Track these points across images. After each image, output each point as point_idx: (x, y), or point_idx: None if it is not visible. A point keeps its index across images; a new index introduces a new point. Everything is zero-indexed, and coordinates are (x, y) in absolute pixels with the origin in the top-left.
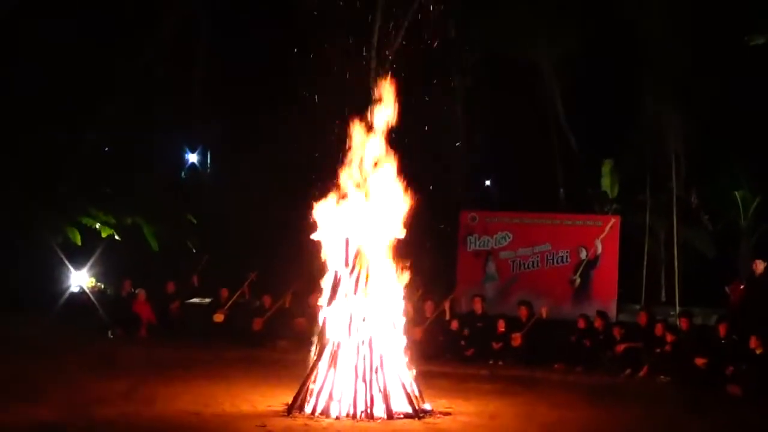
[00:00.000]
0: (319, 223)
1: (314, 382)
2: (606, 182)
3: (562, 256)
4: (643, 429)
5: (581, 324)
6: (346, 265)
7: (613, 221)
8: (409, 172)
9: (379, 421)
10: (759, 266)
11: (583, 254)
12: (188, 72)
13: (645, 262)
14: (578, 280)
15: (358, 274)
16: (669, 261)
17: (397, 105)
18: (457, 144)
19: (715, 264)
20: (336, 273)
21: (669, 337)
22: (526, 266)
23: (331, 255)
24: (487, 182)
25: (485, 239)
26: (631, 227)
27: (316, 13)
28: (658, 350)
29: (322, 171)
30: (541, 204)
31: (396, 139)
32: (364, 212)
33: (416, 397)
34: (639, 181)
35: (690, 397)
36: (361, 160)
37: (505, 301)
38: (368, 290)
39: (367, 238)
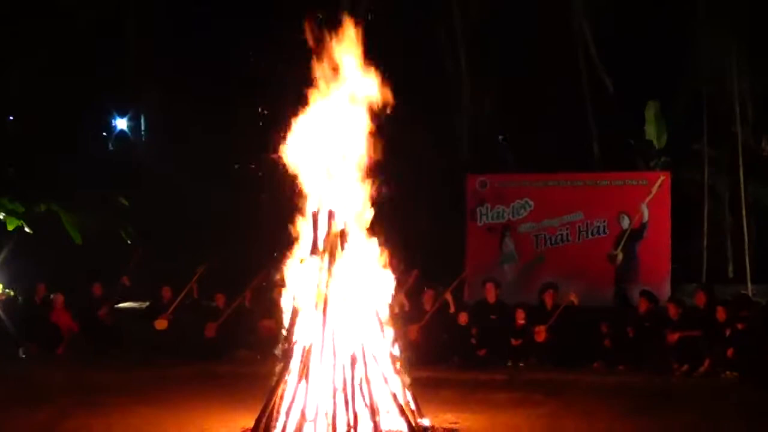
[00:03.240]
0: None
1: (282, 398)
2: (651, 130)
3: (599, 227)
4: None
5: (643, 307)
6: (317, 247)
7: (662, 179)
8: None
9: None
10: None
11: (626, 223)
12: (117, 20)
13: (705, 230)
14: (620, 256)
15: (333, 258)
16: (736, 227)
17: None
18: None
19: None
20: (304, 259)
21: (737, 323)
22: (553, 241)
23: (301, 235)
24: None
25: (500, 210)
26: (686, 186)
27: None
28: (723, 340)
29: (283, 133)
30: (569, 162)
31: (379, 84)
32: (339, 179)
33: (412, 411)
34: (693, 128)
35: (764, 399)
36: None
37: (528, 286)
38: (348, 279)
39: (345, 211)
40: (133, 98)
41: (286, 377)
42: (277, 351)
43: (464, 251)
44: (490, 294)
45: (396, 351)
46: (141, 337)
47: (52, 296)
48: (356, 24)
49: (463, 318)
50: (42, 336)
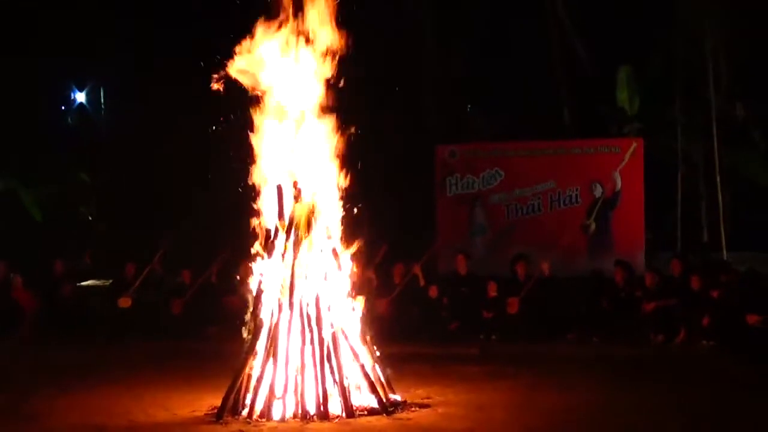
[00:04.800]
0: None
1: (249, 376)
2: (623, 95)
3: (571, 196)
4: (682, 413)
5: (619, 277)
6: (281, 219)
7: (635, 145)
8: (362, 96)
9: (336, 420)
10: None
11: (598, 191)
12: None
13: (679, 197)
14: (593, 225)
15: (298, 230)
16: (711, 194)
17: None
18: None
19: None
20: (269, 232)
21: (712, 292)
22: (524, 211)
23: (265, 208)
24: (469, 107)
25: (469, 180)
26: (659, 152)
27: None
28: (699, 308)
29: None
30: (540, 130)
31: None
32: (301, 150)
33: (383, 386)
34: (666, 92)
35: (742, 368)
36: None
37: (500, 258)
38: (313, 252)
39: (309, 182)
40: (91, 62)
41: (254, 354)
42: (244, 328)
43: (434, 223)
44: (461, 266)
45: (365, 326)
46: (105, 315)
47: (12, 275)
48: None
49: (433, 291)
50: (2, 316)
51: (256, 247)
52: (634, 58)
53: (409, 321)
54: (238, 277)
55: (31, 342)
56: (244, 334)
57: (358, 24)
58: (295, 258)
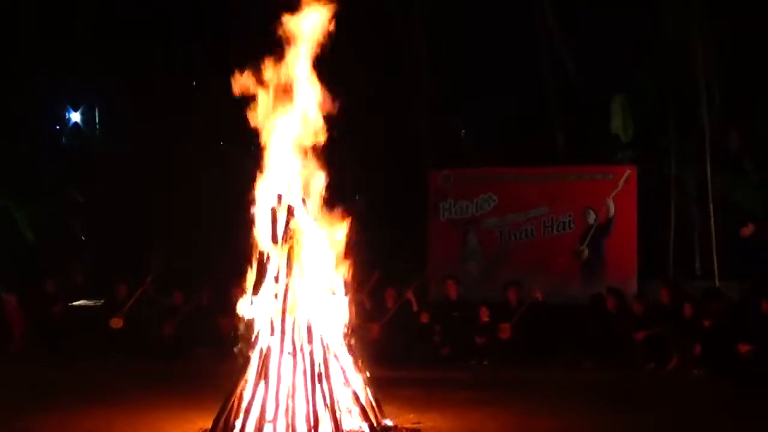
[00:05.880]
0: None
1: (240, 398)
2: (617, 123)
3: (564, 222)
4: None
5: (611, 304)
6: (275, 242)
7: (628, 173)
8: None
9: None
10: None
11: (592, 218)
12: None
13: (672, 225)
14: (586, 252)
15: (291, 253)
16: (703, 222)
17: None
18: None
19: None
20: (262, 254)
21: (704, 320)
22: (517, 237)
23: (259, 231)
24: (462, 132)
25: (463, 204)
26: (653, 180)
27: None
28: (691, 336)
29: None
30: (533, 155)
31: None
32: (294, 175)
33: (374, 411)
34: (660, 120)
35: (732, 396)
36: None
37: (493, 283)
38: (306, 274)
39: (302, 206)
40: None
41: (245, 376)
42: (236, 350)
43: (427, 249)
44: (451, 291)
45: (357, 349)
46: (96, 335)
47: (3, 295)
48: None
49: (425, 316)
50: None
51: (250, 270)
52: (628, 86)
53: (401, 345)
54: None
55: (21, 360)
56: (236, 356)
57: (351, 50)
58: (287, 281)
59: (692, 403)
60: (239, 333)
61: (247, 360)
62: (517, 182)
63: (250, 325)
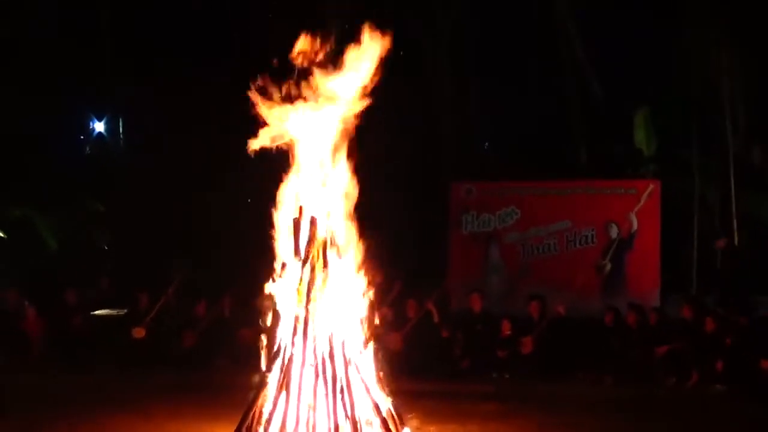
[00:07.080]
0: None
1: (261, 410)
2: (640, 136)
3: (587, 236)
4: None
5: (608, 320)
6: (297, 253)
7: (652, 187)
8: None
9: None
10: None
11: (614, 232)
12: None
13: (695, 241)
14: (608, 266)
15: (314, 265)
16: (727, 238)
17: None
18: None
19: None
20: (284, 265)
21: (726, 336)
22: (539, 251)
23: (282, 243)
24: (485, 145)
25: (486, 217)
26: (676, 194)
27: None
28: (712, 352)
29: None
30: (556, 169)
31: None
32: (319, 186)
33: (395, 422)
34: (683, 135)
35: (753, 412)
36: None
37: (515, 298)
38: (328, 286)
39: (326, 216)
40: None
41: (266, 388)
42: (258, 361)
43: (448, 261)
44: (476, 304)
45: (378, 361)
46: (117, 345)
47: (26, 304)
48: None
49: (446, 330)
50: (13, 344)
51: (272, 281)
52: (651, 100)
53: (422, 357)
54: (252, 311)
55: (40, 370)
56: (257, 368)
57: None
58: (309, 292)
59: (712, 419)
60: (261, 344)
61: (268, 371)
62: (540, 196)
63: (271, 336)
